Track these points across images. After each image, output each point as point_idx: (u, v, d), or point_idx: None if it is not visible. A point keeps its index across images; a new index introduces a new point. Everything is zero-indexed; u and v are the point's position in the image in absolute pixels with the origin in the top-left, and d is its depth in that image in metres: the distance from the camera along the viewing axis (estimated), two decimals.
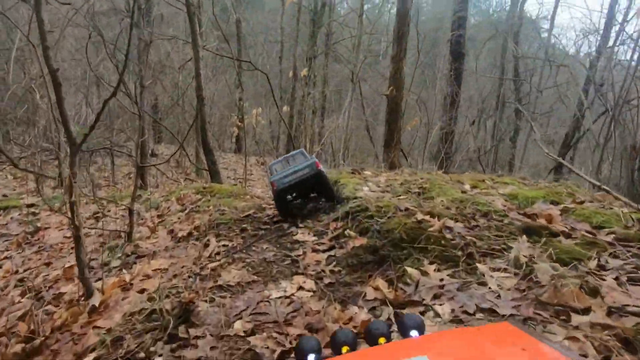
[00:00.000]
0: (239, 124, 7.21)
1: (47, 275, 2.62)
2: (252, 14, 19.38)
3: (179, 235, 2.97)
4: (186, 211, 3.48)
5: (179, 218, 3.40)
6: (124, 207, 3.09)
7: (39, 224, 3.44)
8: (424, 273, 1.86)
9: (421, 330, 0.78)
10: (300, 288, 1.96)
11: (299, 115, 10.17)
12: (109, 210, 3.52)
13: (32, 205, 3.97)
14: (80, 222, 2.08)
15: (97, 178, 6.42)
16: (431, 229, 2.19)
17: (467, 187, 3.11)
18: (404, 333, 0.78)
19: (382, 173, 3.99)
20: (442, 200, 2.69)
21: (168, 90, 8.88)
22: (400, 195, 2.92)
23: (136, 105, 3.29)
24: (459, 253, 1.98)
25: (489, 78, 13.79)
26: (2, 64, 7.89)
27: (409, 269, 1.90)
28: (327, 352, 0.85)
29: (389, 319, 1.60)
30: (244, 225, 2.97)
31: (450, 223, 2.27)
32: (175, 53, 9.14)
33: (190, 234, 2.98)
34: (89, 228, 3.22)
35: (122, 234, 2.97)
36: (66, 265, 2.58)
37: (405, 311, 1.64)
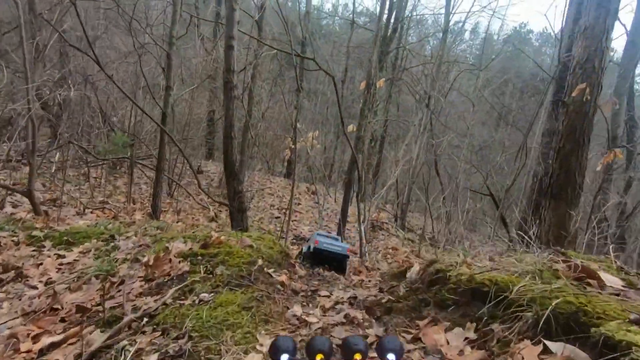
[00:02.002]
0: (292, 145, 6.14)
1: None
2: (320, 41, 19.26)
3: None
4: (125, 320, 1.44)
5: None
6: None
7: None
8: None
9: (398, 355, 0.74)
10: None
11: (360, 141, 8.84)
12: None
13: None
14: None
15: (117, 193, 5.50)
16: None
17: None
18: (381, 354, 0.75)
19: None
20: None
21: (220, 99, 8.13)
22: None
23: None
24: None
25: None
26: None
27: None
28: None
29: None
30: None
31: None
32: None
33: None
34: None
35: None
36: None
37: None
